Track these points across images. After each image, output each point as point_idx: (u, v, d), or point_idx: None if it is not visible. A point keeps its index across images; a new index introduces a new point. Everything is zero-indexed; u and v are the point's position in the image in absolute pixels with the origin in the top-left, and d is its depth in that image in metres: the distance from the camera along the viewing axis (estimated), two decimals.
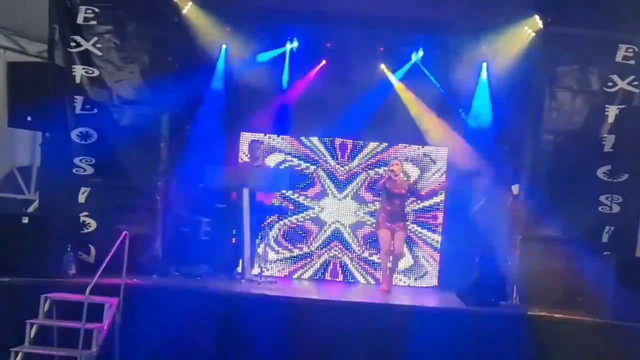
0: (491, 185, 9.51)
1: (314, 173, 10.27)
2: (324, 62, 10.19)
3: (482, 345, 7.09)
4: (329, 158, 10.31)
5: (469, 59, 9.59)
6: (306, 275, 10.17)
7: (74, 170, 8.58)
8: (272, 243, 10.10)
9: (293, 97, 10.27)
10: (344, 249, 10.21)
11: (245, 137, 10.16)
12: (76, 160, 8.58)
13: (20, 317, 6.68)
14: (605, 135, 8.36)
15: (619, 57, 8.32)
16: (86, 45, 8.53)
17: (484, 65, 9.70)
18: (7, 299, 7.14)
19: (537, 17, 8.60)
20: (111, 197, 8.56)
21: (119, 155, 8.52)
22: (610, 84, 8.35)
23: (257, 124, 10.21)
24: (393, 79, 10.17)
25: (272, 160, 10.12)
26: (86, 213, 8.57)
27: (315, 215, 10.26)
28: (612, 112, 8.34)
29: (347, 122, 10.06)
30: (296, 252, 10.20)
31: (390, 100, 10.14)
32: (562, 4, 8.46)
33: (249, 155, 9.60)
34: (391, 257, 8.84)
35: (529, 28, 8.78)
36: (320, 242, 10.22)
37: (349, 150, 10.33)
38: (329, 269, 10.20)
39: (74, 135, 8.56)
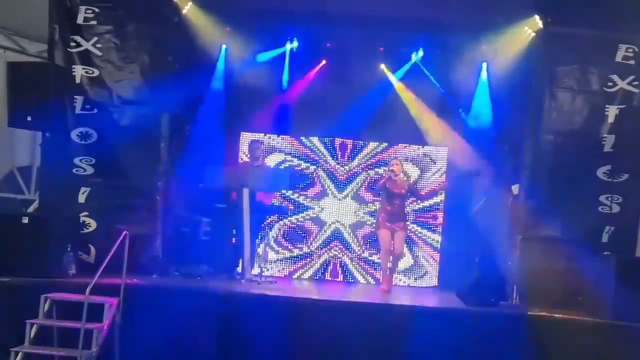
0: (491, 185, 9.51)
1: (314, 173, 10.26)
2: (324, 62, 10.19)
3: (482, 345, 7.09)
4: (329, 158, 10.30)
5: (469, 59, 9.59)
6: (306, 275, 10.17)
7: (74, 170, 8.58)
8: (272, 243, 10.10)
9: (293, 97, 10.27)
10: (344, 249, 10.21)
11: (245, 137, 10.16)
12: (76, 160, 8.58)
13: (20, 317, 6.68)
14: (605, 135, 8.36)
15: (619, 57, 8.32)
16: (86, 45, 8.53)
17: (484, 65, 9.70)
18: (7, 299, 7.14)
19: (537, 17, 8.60)
20: (111, 197, 8.56)
21: (119, 155, 8.52)
22: (610, 84, 8.35)
23: (257, 124, 10.21)
24: (393, 79, 10.17)
25: (272, 160, 10.12)
26: (86, 213, 8.57)
27: (315, 215, 10.26)
28: (612, 112, 8.34)
29: (347, 122, 10.06)
30: (296, 252, 10.20)
31: (390, 100, 10.13)
32: (562, 4, 8.46)
33: (249, 155, 9.60)
34: (391, 257, 8.84)
35: (529, 28, 8.78)
36: (320, 242, 10.22)
37: (349, 150, 10.33)
38: (329, 269, 10.19)
39: (74, 135, 8.56)
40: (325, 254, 10.19)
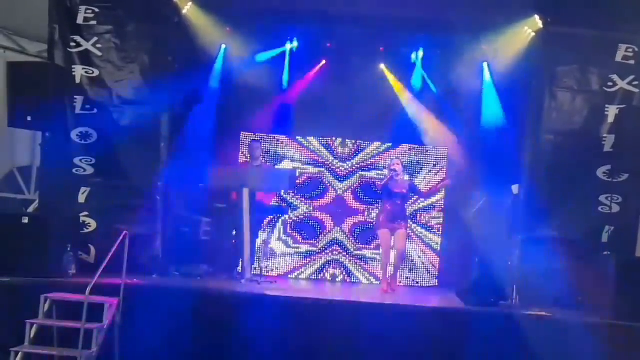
0: (491, 185, 9.51)
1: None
2: (324, 62, 10.19)
3: (482, 345, 7.08)
4: (329, 158, 10.30)
5: (469, 59, 9.58)
6: (306, 275, 10.17)
7: (74, 170, 8.58)
8: (273, 242, 10.10)
9: (293, 97, 10.27)
10: (344, 249, 10.21)
11: (245, 137, 10.17)
12: (76, 160, 8.58)
13: (20, 317, 6.69)
14: (605, 135, 8.36)
15: (619, 57, 8.32)
16: (86, 45, 8.53)
17: (485, 65, 9.69)
18: (7, 299, 7.14)
19: (537, 17, 8.60)
20: (111, 197, 8.56)
21: (119, 155, 8.52)
22: (610, 84, 8.35)
23: (257, 124, 10.20)
24: (393, 79, 10.17)
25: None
26: (86, 213, 8.57)
27: (315, 214, 10.28)
28: (612, 112, 8.34)
29: (347, 122, 10.08)
30: (294, 251, 10.19)
31: (390, 100, 10.13)
32: (562, 4, 8.46)
33: (248, 155, 9.61)
34: (392, 257, 8.85)
35: (529, 28, 8.78)
36: (321, 242, 10.23)
37: (349, 150, 10.33)
38: (329, 269, 10.19)
39: (74, 135, 8.56)
40: (326, 254, 10.19)
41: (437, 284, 10.07)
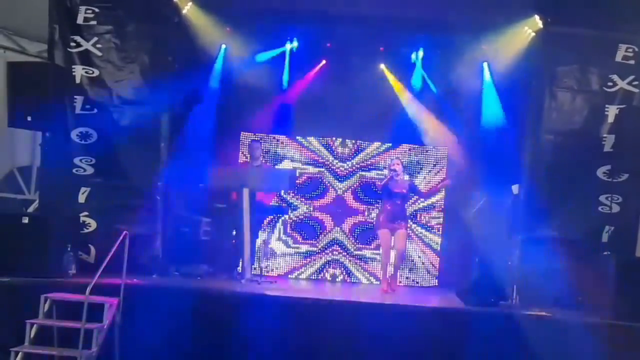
0: (491, 185, 9.51)
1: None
2: (324, 62, 10.19)
3: (482, 345, 7.08)
4: (329, 158, 10.30)
5: (469, 59, 9.58)
6: (306, 275, 10.17)
7: (74, 170, 8.58)
8: (274, 242, 10.11)
9: (293, 97, 10.27)
10: (344, 249, 10.21)
11: (245, 137, 10.17)
12: (76, 160, 8.58)
13: (20, 317, 6.69)
14: (605, 135, 8.35)
15: (619, 57, 8.32)
16: (86, 45, 8.53)
17: (486, 65, 9.68)
18: (7, 299, 7.14)
19: (537, 17, 8.60)
20: (111, 197, 8.56)
21: (119, 155, 8.52)
22: (610, 83, 8.35)
23: (257, 124, 10.21)
24: (393, 79, 10.17)
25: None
26: (86, 213, 8.57)
27: (315, 214, 10.28)
28: (612, 112, 8.34)
29: (347, 122, 10.08)
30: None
31: (390, 100, 10.13)
32: (562, 4, 8.46)
33: (248, 155, 9.61)
34: (392, 256, 8.85)
35: (529, 28, 8.78)
36: (321, 242, 10.23)
37: (349, 150, 10.33)
38: (329, 269, 10.19)
39: (74, 135, 8.56)
40: (326, 253, 10.19)
41: (437, 284, 10.07)
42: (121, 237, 6.65)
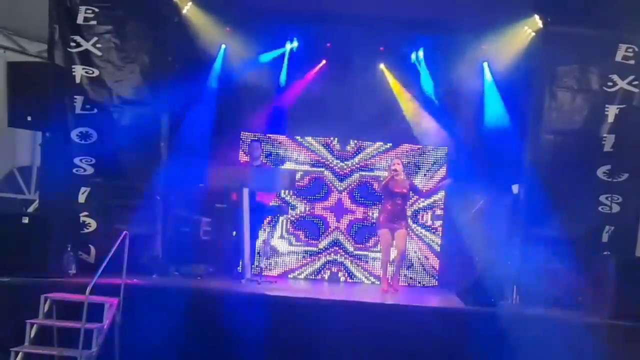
0: (491, 185, 9.51)
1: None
2: (323, 62, 10.20)
3: (482, 345, 7.09)
4: (329, 158, 10.30)
5: (469, 59, 9.58)
6: (306, 275, 10.17)
7: (74, 170, 8.57)
8: (274, 241, 10.11)
9: (293, 97, 10.27)
10: (344, 249, 10.21)
11: (245, 137, 10.17)
12: (76, 160, 8.57)
13: (20, 317, 6.70)
14: (605, 135, 8.35)
15: (619, 57, 8.32)
16: (86, 45, 8.53)
17: (486, 65, 9.68)
18: (7, 299, 7.13)
19: (537, 17, 8.60)
20: (111, 197, 8.56)
21: (119, 155, 8.51)
22: (610, 83, 8.35)
23: (257, 124, 10.21)
24: (393, 79, 10.17)
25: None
26: (86, 213, 8.57)
27: (315, 214, 10.28)
28: (612, 111, 8.34)
29: (347, 122, 10.07)
30: (294, 250, 10.19)
31: (390, 100, 10.13)
32: (562, 4, 8.46)
33: (248, 155, 9.61)
34: (392, 256, 8.85)
35: (529, 28, 8.78)
36: (321, 242, 10.23)
37: (349, 150, 10.33)
38: (329, 269, 10.20)
39: (74, 135, 8.55)
40: (326, 253, 10.20)
41: (437, 284, 10.08)
42: (121, 237, 6.65)
